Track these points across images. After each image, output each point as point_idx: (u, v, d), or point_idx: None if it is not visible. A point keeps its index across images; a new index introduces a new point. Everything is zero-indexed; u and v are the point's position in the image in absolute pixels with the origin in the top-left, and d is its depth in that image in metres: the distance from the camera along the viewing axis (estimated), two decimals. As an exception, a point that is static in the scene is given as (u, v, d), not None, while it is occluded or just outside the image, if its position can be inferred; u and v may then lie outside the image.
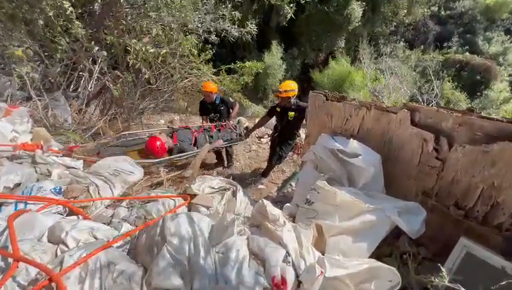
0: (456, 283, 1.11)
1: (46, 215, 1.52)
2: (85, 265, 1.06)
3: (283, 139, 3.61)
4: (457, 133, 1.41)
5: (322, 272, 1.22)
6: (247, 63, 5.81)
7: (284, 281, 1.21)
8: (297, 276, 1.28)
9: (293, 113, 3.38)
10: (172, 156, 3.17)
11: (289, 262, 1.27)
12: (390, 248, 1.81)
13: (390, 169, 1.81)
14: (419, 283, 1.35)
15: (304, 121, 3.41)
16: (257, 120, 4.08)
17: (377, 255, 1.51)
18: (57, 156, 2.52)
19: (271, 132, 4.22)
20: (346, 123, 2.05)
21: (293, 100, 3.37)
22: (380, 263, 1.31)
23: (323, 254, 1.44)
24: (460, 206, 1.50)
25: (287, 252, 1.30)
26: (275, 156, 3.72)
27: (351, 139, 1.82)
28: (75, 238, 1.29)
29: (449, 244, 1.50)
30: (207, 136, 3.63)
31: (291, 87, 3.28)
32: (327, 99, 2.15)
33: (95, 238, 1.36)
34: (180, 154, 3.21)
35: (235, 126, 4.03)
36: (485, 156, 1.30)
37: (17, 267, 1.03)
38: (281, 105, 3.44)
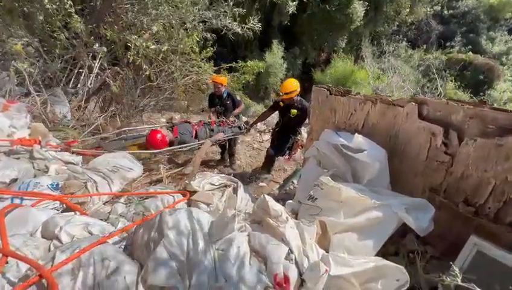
0: (467, 282, 1.05)
1: (41, 210, 1.47)
2: (78, 261, 1.00)
3: (284, 135, 3.57)
4: (468, 126, 1.35)
5: (326, 270, 1.17)
6: (249, 63, 5.77)
7: (286, 279, 1.16)
8: (300, 274, 1.22)
9: (295, 111, 3.33)
10: (173, 147, 3.13)
11: (292, 260, 1.22)
12: (395, 246, 1.75)
13: (396, 165, 1.75)
14: (428, 283, 1.29)
15: (307, 121, 3.37)
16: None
17: (382, 253, 1.45)
18: (55, 151, 2.48)
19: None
20: (351, 118, 1.99)
21: (296, 98, 3.32)
22: (387, 262, 1.25)
23: (327, 252, 1.39)
24: (470, 203, 1.44)
25: (290, 249, 1.24)
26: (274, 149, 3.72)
27: (356, 134, 1.76)
28: (69, 234, 1.24)
29: (458, 243, 1.44)
30: (207, 130, 3.60)
31: (293, 87, 3.21)
32: (331, 94, 2.10)
33: (90, 233, 1.31)
34: (182, 145, 3.17)
35: (234, 121, 4.01)
36: (498, 149, 1.24)
37: (7, 262, 0.98)
38: (285, 102, 3.41)
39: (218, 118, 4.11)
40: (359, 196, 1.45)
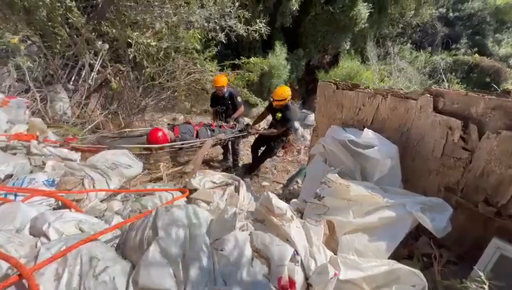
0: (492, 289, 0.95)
1: (31, 206, 1.39)
2: (63, 260, 0.92)
3: (275, 135, 3.71)
4: (490, 118, 1.24)
5: (335, 273, 1.07)
6: (252, 59, 5.67)
7: (292, 283, 1.06)
8: (306, 278, 1.12)
9: (280, 115, 3.59)
10: (174, 143, 3.08)
11: (298, 262, 1.12)
12: (408, 249, 1.64)
13: (409, 162, 1.65)
14: (447, 289, 1.18)
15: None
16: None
17: (394, 257, 1.34)
18: (54, 147, 2.42)
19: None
20: (359, 113, 1.89)
21: (289, 104, 3.58)
22: (401, 265, 1.15)
23: (335, 254, 1.29)
24: (491, 203, 1.33)
25: (295, 250, 1.14)
26: (268, 152, 3.84)
27: (365, 129, 1.66)
28: (58, 230, 1.15)
29: (477, 246, 1.33)
30: (208, 131, 3.56)
31: (284, 96, 3.50)
32: (337, 88, 2.00)
33: (81, 231, 1.22)
34: (183, 142, 3.13)
35: (235, 125, 3.95)
36: (525, 143, 1.13)
37: (-14, 260, 0.89)
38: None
39: (220, 116, 4.06)
40: (370, 194, 1.35)
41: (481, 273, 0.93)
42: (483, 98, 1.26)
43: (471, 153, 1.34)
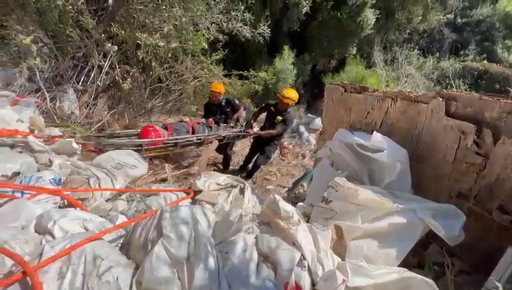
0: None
1: (36, 204, 1.39)
2: (67, 258, 0.91)
3: (269, 138, 3.74)
4: (505, 123, 1.20)
5: (343, 280, 1.03)
6: (260, 74, 5.79)
7: (298, 288, 1.03)
8: (313, 284, 1.09)
9: (280, 118, 3.62)
10: (169, 138, 3.05)
11: (304, 267, 1.09)
12: (417, 257, 1.59)
13: (418, 168, 1.60)
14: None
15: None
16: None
17: (402, 266, 1.30)
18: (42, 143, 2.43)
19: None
20: (367, 117, 1.86)
21: (288, 109, 3.66)
22: (412, 274, 1.10)
23: (343, 260, 1.25)
24: (506, 210, 1.28)
25: (302, 255, 1.11)
26: (263, 156, 3.83)
27: (374, 132, 1.62)
28: (63, 229, 1.15)
29: (491, 256, 1.27)
30: (205, 128, 3.49)
31: (295, 97, 3.59)
32: (345, 91, 1.97)
33: (86, 229, 1.21)
34: (178, 137, 3.10)
35: (236, 125, 3.89)
36: (543, 148, 1.09)
37: (-10, 256, 0.89)
38: (277, 107, 3.67)
39: (218, 125, 3.96)
40: (379, 199, 1.31)
41: (498, 284, 0.89)
42: (498, 101, 1.22)
43: (485, 158, 1.30)
